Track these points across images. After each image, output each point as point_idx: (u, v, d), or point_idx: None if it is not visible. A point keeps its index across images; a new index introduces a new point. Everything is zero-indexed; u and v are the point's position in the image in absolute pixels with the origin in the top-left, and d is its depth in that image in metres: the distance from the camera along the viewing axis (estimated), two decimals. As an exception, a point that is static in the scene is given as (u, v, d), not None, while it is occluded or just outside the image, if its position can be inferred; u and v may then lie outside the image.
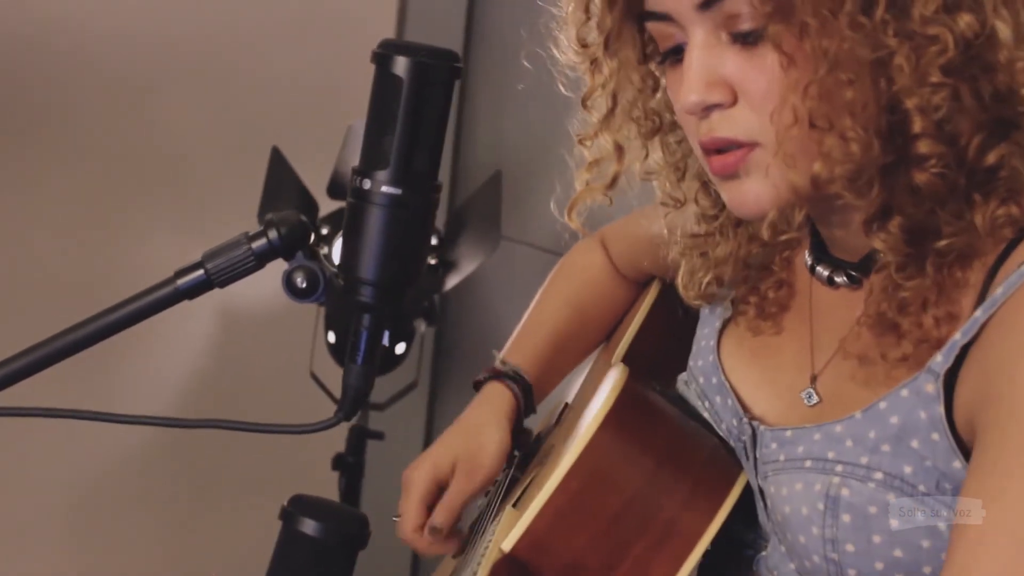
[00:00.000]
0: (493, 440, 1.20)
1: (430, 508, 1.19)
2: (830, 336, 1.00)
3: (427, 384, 2.73)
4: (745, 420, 1.04)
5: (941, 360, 0.89)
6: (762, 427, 1.02)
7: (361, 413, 2.34)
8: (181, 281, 0.93)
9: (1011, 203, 0.88)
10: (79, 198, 2.40)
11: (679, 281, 1.12)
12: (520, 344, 1.30)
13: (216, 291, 0.93)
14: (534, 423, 1.32)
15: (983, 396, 0.85)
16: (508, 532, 1.01)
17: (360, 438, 2.33)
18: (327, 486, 2.38)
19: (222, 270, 0.92)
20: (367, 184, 0.90)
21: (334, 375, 2.35)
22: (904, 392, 0.91)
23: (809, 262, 1.03)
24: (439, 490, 1.20)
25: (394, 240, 0.90)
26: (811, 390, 1.00)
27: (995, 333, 0.86)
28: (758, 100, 0.89)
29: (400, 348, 2.31)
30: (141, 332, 2.64)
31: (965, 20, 0.84)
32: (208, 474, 2.58)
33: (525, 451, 1.25)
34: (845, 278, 1.00)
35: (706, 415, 1.09)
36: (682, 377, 1.14)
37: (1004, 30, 0.85)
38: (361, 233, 0.90)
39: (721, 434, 1.07)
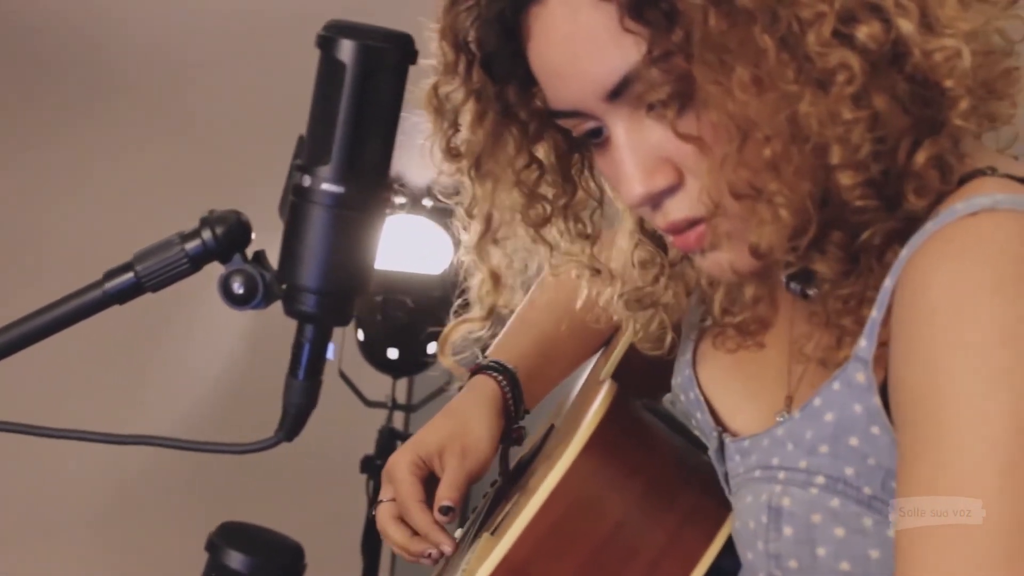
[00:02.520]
0: (481, 423, 1.13)
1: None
2: (805, 360, 0.91)
3: (459, 386, 2.65)
4: (715, 433, 0.96)
5: (865, 344, 0.80)
6: (728, 439, 0.94)
7: (390, 414, 2.27)
8: (109, 284, 0.85)
9: (943, 184, 0.79)
10: (130, 176, 2.35)
11: (629, 330, 1.05)
12: (504, 344, 1.22)
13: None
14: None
15: (893, 376, 0.76)
16: (484, 561, 0.92)
17: (390, 440, 2.26)
18: (355, 489, 2.31)
19: (153, 272, 0.84)
20: (307, 181, 0.80)
21: (362, 373, 2.29)
22: (836, 385, 0.82)
23: (784, 280, 0.94)
24: (427, 476, 1.11)
25: (337, 244, 0.81)
26: (784, 412, 0.91)
27: (898, 299, 0.77)
28: (701, 170, 0.80)
29: (432, 348, 2.23)
30: (168, 324, 2.60)
31: (865, 31, 0.75)
32: (235, 479, 2.52)
33: (507, 475, 1.16)
34: (815, 288, 0.90)
35: (697, 433, 1.00)
36: (667, 397, 1.06)
37: (907, 26, 0.75)
38: (302, 236, 0.81)
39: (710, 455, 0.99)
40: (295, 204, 0.81)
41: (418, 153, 2.13)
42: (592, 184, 0.98)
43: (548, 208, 0.97)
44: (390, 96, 0.81)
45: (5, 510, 2.37)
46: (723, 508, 0.93)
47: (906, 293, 0.76)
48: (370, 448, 2.28)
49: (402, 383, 2.61)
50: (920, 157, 0.78)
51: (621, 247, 1.02)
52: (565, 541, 0.91)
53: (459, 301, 1.05)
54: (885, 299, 0.79)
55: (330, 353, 0.85)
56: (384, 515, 1.13)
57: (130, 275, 0.84)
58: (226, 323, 2.37)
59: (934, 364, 0.72)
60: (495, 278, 1.00)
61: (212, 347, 2.46)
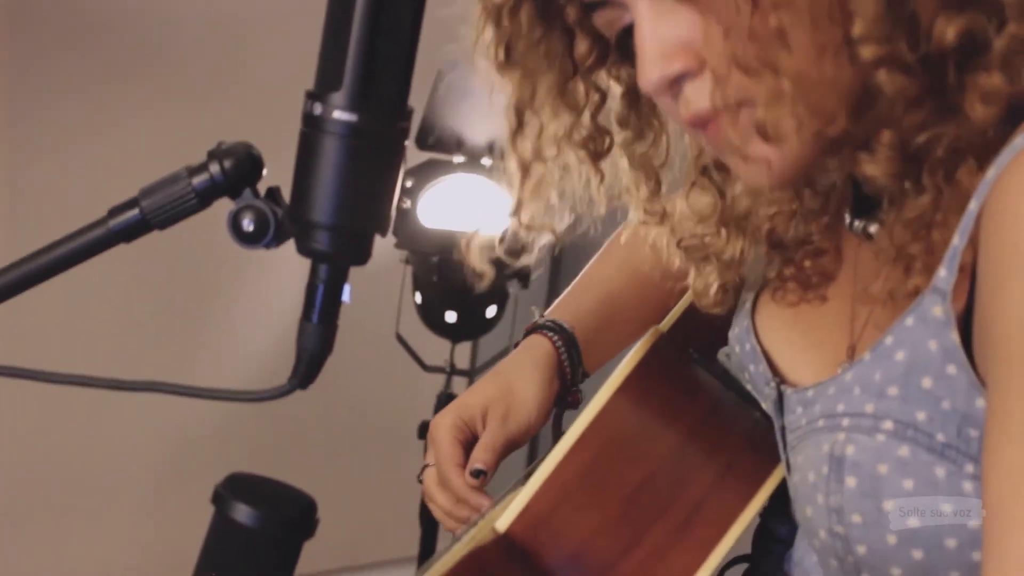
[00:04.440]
0: (528, 385, 1.08)
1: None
2: (869, 302, 0.84)
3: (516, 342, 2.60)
4: (773, 384, 0.89)
5: (944, 274, 0.73)
6: (788, 390, 0.87)
7: (448, 379, 2.22)
8: (114, 222, 0.80)
9: (995, 73, 0.70)
10: (175, 134, 2.33)
11: (691, 284, 0.98)
12: (566, 303, 1.17)
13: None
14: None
15: (983, 307, 0.69)
16: (505, 511, 0.87)
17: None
18: (413, 456, 2.27)
19: (159, 208, 0.80)
20: (318, 109, 0.75)
21: (420, 337, 2.25)
22: (909, 320, 0.75)
23: (848, 219, 0.88)
24: (470, 439, 1.07)
25: (350, 176, 0.75)
26: (847, 363, 0.83)
27: (984, 226, 0.69)
28: (723, 58, 0.73)
29: (491, 311, 2.17)
30: (227, 292, 2.59)
31: None
32: (288, 444, 2.50)
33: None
34: (877, 224, 0.84)
35: (749, 388, 0.94)
36: (723, 350, 0.99)
37: None
38: (313, 168, 0.76)
39: (765, 409, 0.92)
40: (306, 134, 0.76)
41: (476, 111, 2.07)
42: (656, 122, 0.93)
43: (608, 140, 0.92)
44: (407, 15, 0.75)
45: (63, 468, 2.37)
46: (767, 465, 0.86)
47: (994, 221, 0.68)
48: (428, 414, 2.23)
49: (464, 348, 2.56)
50: (950, 33, 0.70)
51: (683, 195, 0.96)
52: (592, 491, 0.85)
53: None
54: (969, 224, 0.71)
55: (346, 295, 0.80)
56: (428, 480, 1.10)
57: (135, 212, 0.80)
58: (289, 275, 2.35)
59: None
60: (524, 168, 0.94)
61: (273, 301, 2.43)
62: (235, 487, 0.81)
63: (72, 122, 2.19)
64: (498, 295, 2.16)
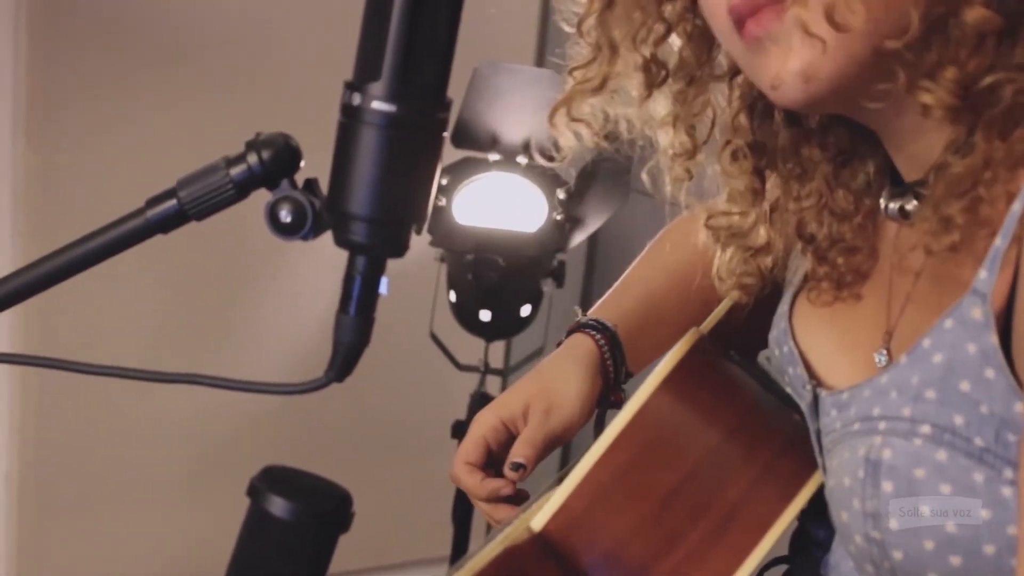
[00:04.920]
0: (570, 383, 1.07)
1: (493, 457, 1.07)
2: (906, 273, 0.83)
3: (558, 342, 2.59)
4: (808, 387, 0.88)
5: (985, 276, 0.71)
6: (823, 392, 0.86)
7: (482, 378, 2.21)
8: (152, 212, 0.80)
9: None
10: (212, 125, 2.33)
11: (713, 271, 0.97)
12: (607, 303, 1.16)
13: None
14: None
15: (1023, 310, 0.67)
16: (540, 510, 0.86)
17: (482, 405, 2.19)
18: (447, 455, 2.26)
19: (197, 199, 0.79)
20: (357, 99, 0.74)
21: (454, 336, 2.24)
22: (948, 323, 0.74)
23: (883, 204, 0.86)
24: (508, 436, 1.07)
25: (390, 167, 0.75)
26: (884, 349, 0.82)
27: None
28: None
29: (526, 311, 2.16)
30: (263, 285, 2.58)
31: None
32: (320, 443, 2.50)
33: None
34: (915, 201, 0.82)
35: (789, 391, 0.92)
36: (763, 353, 0.98)
37: None
38: (351, 159, 0.75)
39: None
40: (344, 125, 0.75)
41: (512, 109, 2.06)
42: (706, 89, 0.93)
43: (663, 73, 0.91)
44: (447, 5, 0.74)
45: (100, 460, 2.38)
46: (807, 468, 0.85)
47: None
48: (462, 413, 2.22)
49: (499, 347, 2.55)
50: None
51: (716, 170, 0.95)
52: (628, 492, 0.84)
53: None
54: (1012, 225, 0.70)
55: (383, 288, 0.79)
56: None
57: (173, 202, 0.79)
58: (331, 268, 2.34)
59: None
60: (613, 50, 0.91)
61: (309, 295, 2.43)
62: (271, 480, 0.80)
63: (107, 114, 2.19)
64: (533, 294, 2.15)
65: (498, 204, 2.05)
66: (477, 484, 1.05)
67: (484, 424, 1.08)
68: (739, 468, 0.85)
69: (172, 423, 2.41)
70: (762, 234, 0.93)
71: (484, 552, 0.89)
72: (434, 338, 2.19)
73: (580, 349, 1.10)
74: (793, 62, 0.74)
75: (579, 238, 2.06)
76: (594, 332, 1.10)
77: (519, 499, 1.05)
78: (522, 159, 2.03)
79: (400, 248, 0.78)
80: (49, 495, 2.33)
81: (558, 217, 2.04)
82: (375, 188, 0.75)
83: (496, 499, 1.04)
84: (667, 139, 0.94)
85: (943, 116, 0.74)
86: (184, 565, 2.45)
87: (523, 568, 0.84)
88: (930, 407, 0.74)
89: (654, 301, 1.15)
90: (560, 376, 1.08)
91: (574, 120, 0.94)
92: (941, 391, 0.74)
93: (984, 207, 0.73)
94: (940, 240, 0.74)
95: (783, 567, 0.99)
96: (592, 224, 2.03)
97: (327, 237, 0.79)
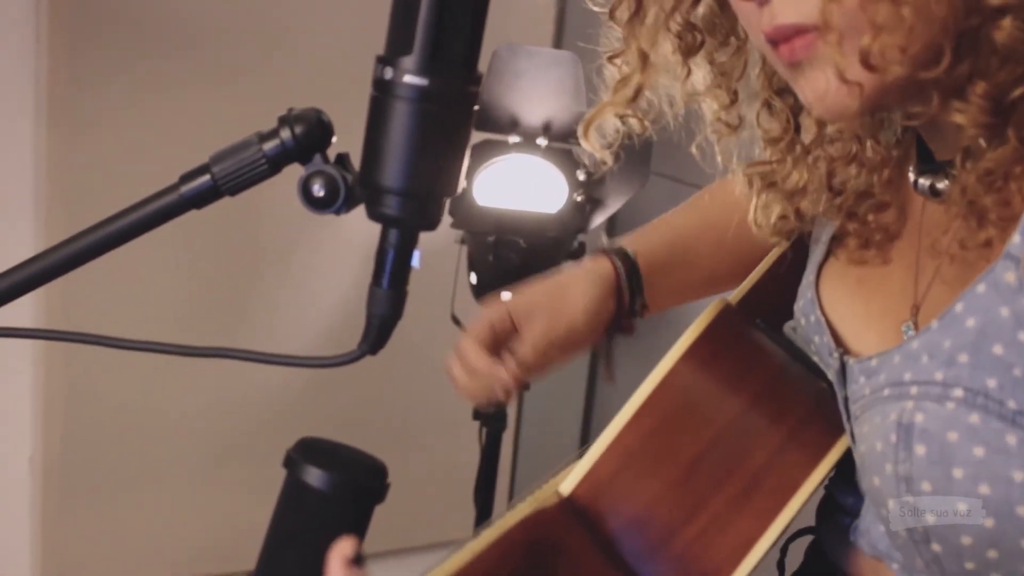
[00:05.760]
0: (580, 294, 1.06)
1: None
2: (936, 256, 0.83)
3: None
4: (836, 354, 0.88)
5: (1019, 240, 0.72)
6: (851, 360, 0.87)
7: (503, 359, 2.21)
8: (186, 188, 0.81)
9: None
10: (232, 108, 2.34)
11: (750, 216, 0.97)
12: (635, 237, 1.16)
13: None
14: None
15: None
16: (568, 476, 0.88)
17: (503, 386, 2.21)
18: (467, 437, 2.27)
19: (230, 174, 0.80)
20: (389, 73, 0.75)
21: (475, 317, 2.24)
22: (981, 287, 0.74)
23: (913, 177, 0.87)
24: (512, 330, 1.07)
25: (421, 141, 0.76)
26: (910, 322, 0.83)
27: None
28: None
29: (546, 292, 2.17)
30: (286, 273, 2.57)
31: None
32: (342, 426, 2.50)
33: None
34: (947, 181, 0.83)
35: (815, 360, 0.93)
36: (789, 324, 0.98)
37: None
38: (384, 133, 0.76)
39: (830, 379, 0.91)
40: (376, 99, 0.76)
41: (532, 91, 2.06)
42: (739, 35, 0.93)
43: (700, 37, 0.92)
44: (478, -21, 0.75)
45: (131, 435, 2.39)
46: (832, 435, 0.86)
47: None
48: (484, 394, 2.23)
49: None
50: None
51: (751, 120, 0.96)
52: (654, 457, 0.85)
53: None
54: None
55: (416, 261, 0.80)
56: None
57: (207, 177, 0.80)
58: (357, 243, 2.34)
59: None
60: (643, 58, 0.92)
61: (342, 269, 2.43)
62: (306, 451, 0.81)
63: (129, 97, 2.20)
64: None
65: (518, 186, 2.05)
66: (479, 354, 1.04)
67: (494, 311, 1.08)
68: (764, 434, 0.86)
69: (197, 405, 2.42)
70: (796, 177, 0.93)
71: (513, 512, 0.90)
72: (455, 320, 2.19)
73: (597, 270, 1.10)
74: (830, 98, 0.76)
75: (599, 219, 2.06)
76: (613, 255, 1.11)
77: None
78: (542, 141, 2.04)
79: (432, 221, 0.79)
80: (74, 479, 2.35)
81: (578, 198, 2.04)
82: (407, 161, 0.76)
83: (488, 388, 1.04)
84: (712, 109, 0.95)
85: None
86: (211, 547, 2.46)
87: (551, 530, 0.85)
88: (963, 370, 0.75)
89: (684, 244, 1.15)
90: (571, 287, 1.08)
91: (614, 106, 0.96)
92: (974, 355, 0.74)
93: (1017, 201, 0.74)
94: (976, 236, 0.76)
95: (809, 538, 1.00)
96: (612, 205, 2.04)
97: (351, 216, 0.80)
